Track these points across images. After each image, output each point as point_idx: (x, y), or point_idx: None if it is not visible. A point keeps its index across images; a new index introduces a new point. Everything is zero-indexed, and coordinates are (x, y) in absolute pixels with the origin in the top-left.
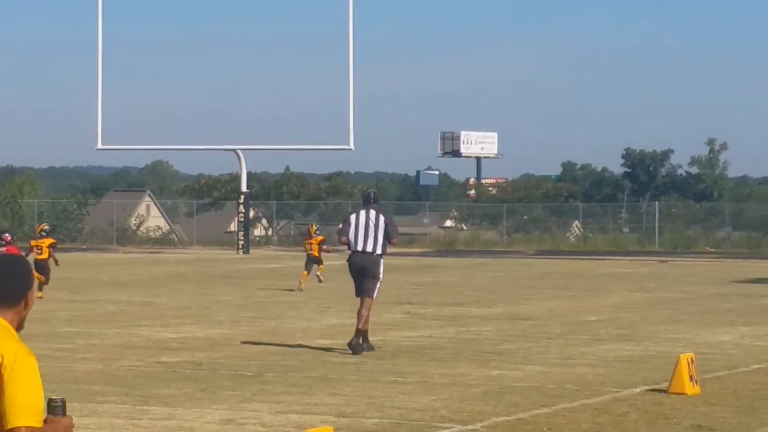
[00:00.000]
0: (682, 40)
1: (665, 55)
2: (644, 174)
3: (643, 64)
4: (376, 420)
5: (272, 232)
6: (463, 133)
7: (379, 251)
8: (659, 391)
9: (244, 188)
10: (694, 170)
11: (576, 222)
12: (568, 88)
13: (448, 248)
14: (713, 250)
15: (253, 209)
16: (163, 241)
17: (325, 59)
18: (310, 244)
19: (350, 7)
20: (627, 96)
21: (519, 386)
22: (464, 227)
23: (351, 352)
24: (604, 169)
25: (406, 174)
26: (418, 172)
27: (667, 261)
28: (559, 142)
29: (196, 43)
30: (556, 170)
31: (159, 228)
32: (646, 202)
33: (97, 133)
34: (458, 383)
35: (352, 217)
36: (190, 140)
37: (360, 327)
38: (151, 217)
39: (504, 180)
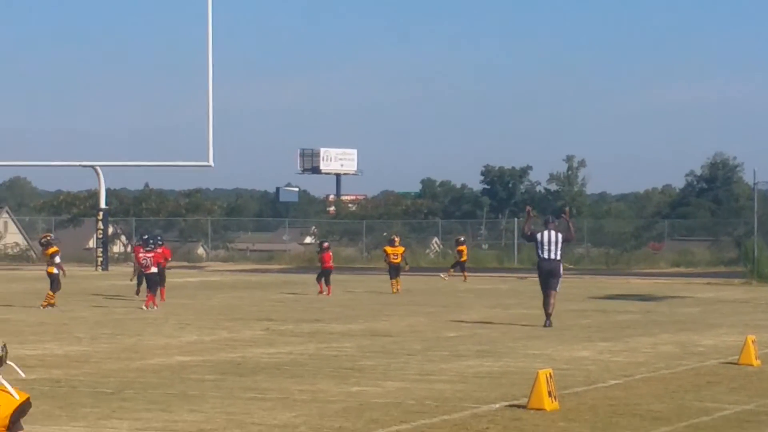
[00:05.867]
0: (539, 56)
1: (524, 73)
2: (503, 191)
3: (501, 80)
4: None
5: (131, 248)
6: (322, 150)
7: (558, 257)
8: (518, 406)
9: (102, 205)
10: (553, 187)
11: (435, 239)
12: (426, 105)
13: (308, 265)
14: (571, 266)
15: (112, 226)
16: (20, 258)
17: (185, 75)
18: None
19: (209, 22)
20: (485, 112)
21: (379, 402)
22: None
23: (550, 326)
24: (464, 186)
25: (266, 191)
26: (277, 189)
27: (525, 277)
28: (419, 158)
29: (53, 57)
30: (416, 187)
31: (17, 244)
32: (505, 219)
33: None
34: (318, 399)
35: (539, 234)
36: (49, 157)
37: (550, 311)
38: (8, 233)
39: (363, 197)
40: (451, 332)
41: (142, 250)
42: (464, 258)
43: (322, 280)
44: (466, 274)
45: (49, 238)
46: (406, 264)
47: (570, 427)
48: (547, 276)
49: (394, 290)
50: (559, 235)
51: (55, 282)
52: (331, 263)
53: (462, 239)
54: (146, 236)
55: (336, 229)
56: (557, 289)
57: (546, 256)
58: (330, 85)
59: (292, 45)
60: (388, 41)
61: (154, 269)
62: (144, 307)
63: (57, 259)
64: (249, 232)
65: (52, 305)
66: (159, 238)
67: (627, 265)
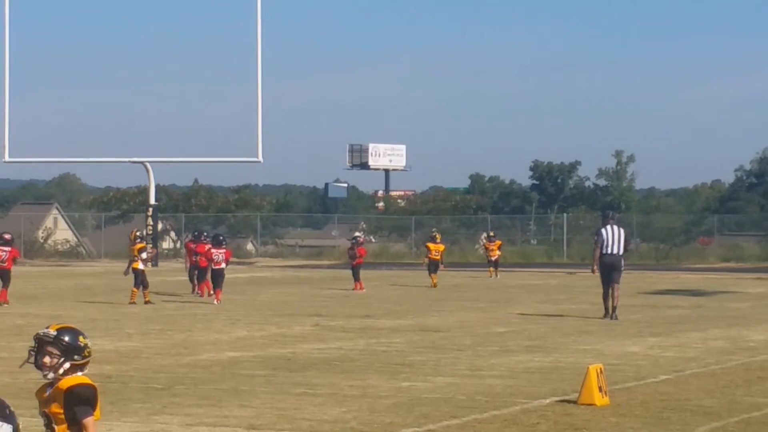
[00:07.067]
0: (588, 52)
1: (572, 67)
2: (552, 186)
3: (550, 76)
4: None
5: (180, 244)
6: (371, 146)
7: (621, 252)
8: (569, 402)
9: (152, 201)
10: (602, 182)
11: (484, 234)
12: (475, 100)
13: None
14: None
15: (162, 222)
16: (71, 254)
17: (234, 72)
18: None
19: (258, 19)
20: (534, 108)
21: (429, 398)
22: (373, 239)
23: (615, 319)
24: (512, 182)
25: (314, 186)
26: (326, 185)
27: (575, 273)
28: (467, 154)
29: (103, 55)
30: (464, 182)
31: (67, 241)
32: (554, 214)
33: (3, 146)
34: (368, 395)
35: (603, 230)
36: (98, 153)
37: (615, 305)
38: (58, 230)
39: (412, 192)
40: (501, 327)
41: (213, 246)
42: (496, 254)
43: (357, 277)
44: (492, 270)
45: (137, 234)
46: (442, 263)
47: (621, 422)
48: (610, 270)
49: (434, 284)
50: (622, 231)
51: (138, 278)
52: (362, 259)
53: (493, 234)
54: (216, 234)
55: (385, 225)
56: (619, 282)
57: (609, 251)
58: (379, 81)
59: (342, 41)
60: (437, 38)
61: (223, 265)
62: (216, 302)
63: (144, 255)
64: (298, 227)
65: (134, 302)
66: (223, 237)
67: (676, 260)
